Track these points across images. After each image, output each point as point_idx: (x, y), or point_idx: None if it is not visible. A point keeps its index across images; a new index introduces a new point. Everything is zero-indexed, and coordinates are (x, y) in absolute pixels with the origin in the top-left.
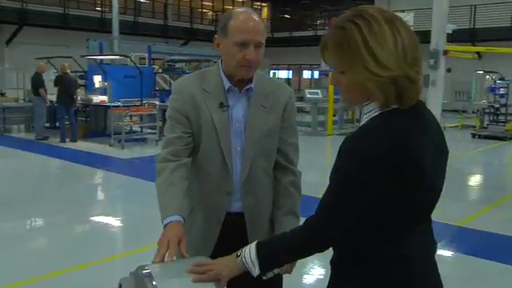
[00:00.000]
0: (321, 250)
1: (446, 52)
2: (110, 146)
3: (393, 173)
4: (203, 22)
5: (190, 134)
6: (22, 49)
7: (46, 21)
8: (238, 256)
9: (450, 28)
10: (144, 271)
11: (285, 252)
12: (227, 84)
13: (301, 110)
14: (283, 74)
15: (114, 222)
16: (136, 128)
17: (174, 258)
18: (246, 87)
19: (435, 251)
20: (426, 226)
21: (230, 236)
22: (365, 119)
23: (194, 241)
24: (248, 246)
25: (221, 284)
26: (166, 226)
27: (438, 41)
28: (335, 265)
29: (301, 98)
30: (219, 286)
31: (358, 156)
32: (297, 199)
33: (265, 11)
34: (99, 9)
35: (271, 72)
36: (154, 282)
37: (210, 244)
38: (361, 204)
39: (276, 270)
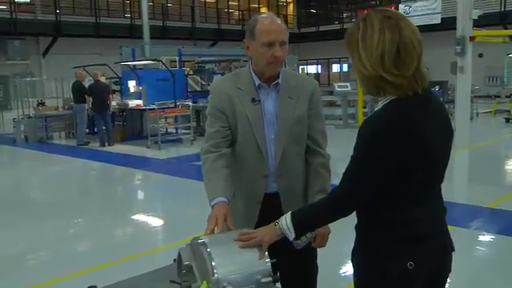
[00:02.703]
0: (343, 215)
1: (472, 38)
2: (148, 147)
3: (400, 146)
4: (230, 22)
5: (228, 127)
6: (57, 59)
7: (79, 31)
8: (276, 224)
9: (475, 14)
10: (199, 240)
11: (314, 218)
12: (257, 81)
13: (331, 104)
14: (312, 69)
15: (155, 217)
16: (171, 129)
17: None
18: (274, 82)
19: (445, 214)
20: (435, 193)
21: (268, 214)
22: (379, 106)
23: (238, 221)
24: (284, 216)
25: (263, 248)
26: (213, 206)
27: (463, 27)
28: (358, 229)
29: (331, 92)
30: (261, 251)
31: (369, 135)
32: (326, 178)
33: (290, 7)
34: (128, 15)
35: (300, 68)
36: (208, 249)
37: (252, 223)
38: (375, 176)
39: (308, 235)
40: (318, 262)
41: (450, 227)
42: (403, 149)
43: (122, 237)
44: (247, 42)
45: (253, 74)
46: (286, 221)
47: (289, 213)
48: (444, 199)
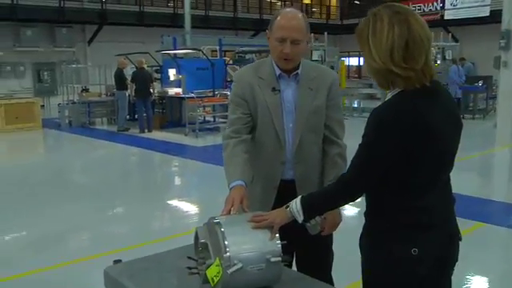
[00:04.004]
0: (351, 200)
1: None
2: (185, 135)
3: (407, 135)
4: (272, 13)
5: (249, 114)
6: (102, 47)
7: (123, 19)
8: (286, 208)
9: None
10: (215, 220)
11: (323, 202)
12: (278, 71)
13: (371, 97)
14: (354, 61)
15: (188, 202)
16: (209, 118)
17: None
18: (294, 73)
19: (453, 204)
20: (443, 183)
21: (284, 200)
22: (388, 96)
23: (254, 205)
24: (295, 199)
25: (273, 230)
26: (231, 189)
27: (509, 20)
28: (367, 216)
29: (370, 85)
30: (272, 232)
31: (378, 123)
32: (342, 168)
33: None
34: (171, 5)
35: (341, 59)
36: (222, 228)
37: (268, 207)
38: (381, 163)
39: (318, 219)
40: (338, 250)
41: (484, 224)
42: (410, 138)
43: (157, 220)
44: (268, 33)
45: (274, 64)
46: (295, 204)
47: (299, 197)
48: (480, 196)
